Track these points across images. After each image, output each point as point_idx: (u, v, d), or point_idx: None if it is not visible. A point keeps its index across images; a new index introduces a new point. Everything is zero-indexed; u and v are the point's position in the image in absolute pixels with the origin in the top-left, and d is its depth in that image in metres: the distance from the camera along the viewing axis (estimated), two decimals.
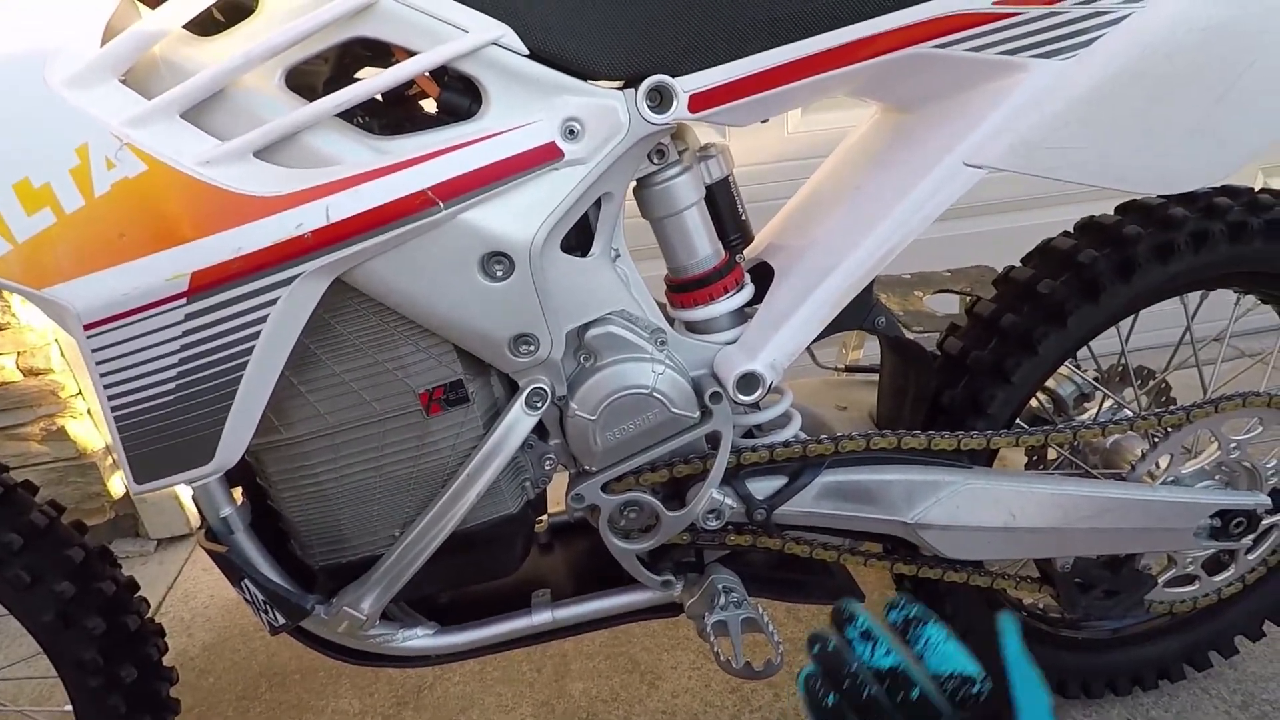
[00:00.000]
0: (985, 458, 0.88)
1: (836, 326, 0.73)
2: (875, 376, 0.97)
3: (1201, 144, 0.67)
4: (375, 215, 0.54)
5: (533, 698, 1.20)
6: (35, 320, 1.52)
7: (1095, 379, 1.00)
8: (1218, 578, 0.99)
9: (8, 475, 0.81)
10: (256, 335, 0.55)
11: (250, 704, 1.25)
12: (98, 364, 0.53)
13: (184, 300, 0.52)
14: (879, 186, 0.71)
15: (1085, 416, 1.01)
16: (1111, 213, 0.90)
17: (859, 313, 0.74)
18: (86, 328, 0.51)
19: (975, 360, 0.86)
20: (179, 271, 0.51)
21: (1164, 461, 0.90)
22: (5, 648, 1.26)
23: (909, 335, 0.86)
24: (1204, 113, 0.65)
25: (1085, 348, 0.90)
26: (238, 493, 0.73)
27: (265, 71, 0.54)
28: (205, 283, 0.52)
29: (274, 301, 0.54)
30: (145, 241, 0.50)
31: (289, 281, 0.54)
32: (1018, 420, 0.91)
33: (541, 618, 0.81)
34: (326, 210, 0.53)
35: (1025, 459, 1.03)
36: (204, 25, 0.55)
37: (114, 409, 0.56)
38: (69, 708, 0.86)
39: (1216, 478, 0.92)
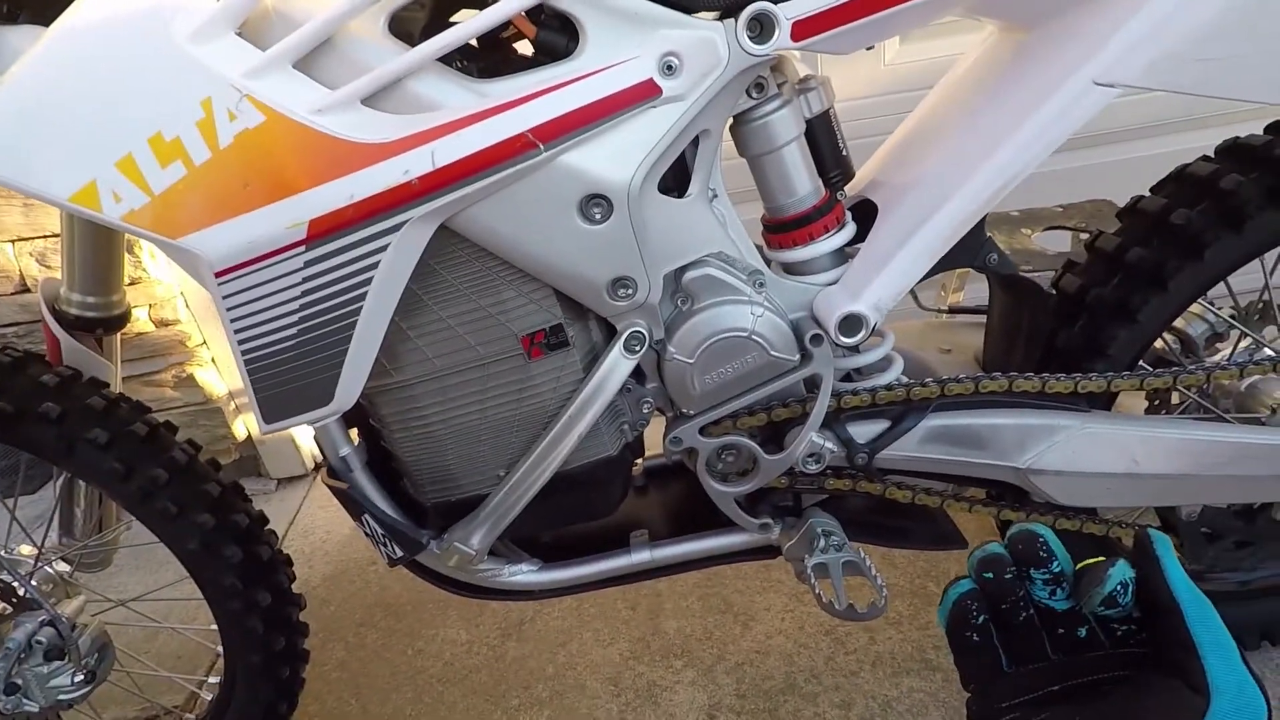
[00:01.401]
0: (1104, 401, 0.83)
1: (946, 264, 0.70)
2: (981, 318, 0.93)
3: None
4: (477, 159, 0.55)
5: (628, 634, 1.24)
6: (163, 274, 1.63)
7: (1232, 317, 0.92)
8: None
9: (152, 415, 0.89)
10: (369, 281, 0.57)
11: (367, 631, 1.35)
12: (228, 310, 0.57)
13: (303, 247, 0.54)
14: (995, 113, 0.66)
15: (1218, 357, 0.93)
16: (1260, 133, 0.81)
17: (971, 249, 0.71)
18: (217, 275, 0.55)
19: (1096, 298, 0.80)
20: (298, 220, 0.53)
21: None
22: (154, 571, 1.40)
23: (1025, 273, 0.81)
24: None
25: (1222, 283, 0.82)
26: (354, 434, 0.77)
27: (369, 19, 0.55)
28: (322, 230, 0.54)
29: (385, 248, 0.56)
30: (267, 190, 0.53)
31: (398, 228, 0.55)
32: (1141, 362, 0.85)
33: (640, 556, 0.83)
34: (432, 155, 0.54)
35: (1145, 404, 0.97)
36: None
37: (244, 353, 0.60)
38: (214, 627, 0.95)
39: None
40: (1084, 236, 1.11)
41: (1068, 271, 0.86)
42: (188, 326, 1.69)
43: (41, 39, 0.52)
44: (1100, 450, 0.75)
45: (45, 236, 1.59)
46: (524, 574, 0.84)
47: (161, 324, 1.67)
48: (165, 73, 0.50)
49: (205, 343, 1.74)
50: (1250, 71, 0.60)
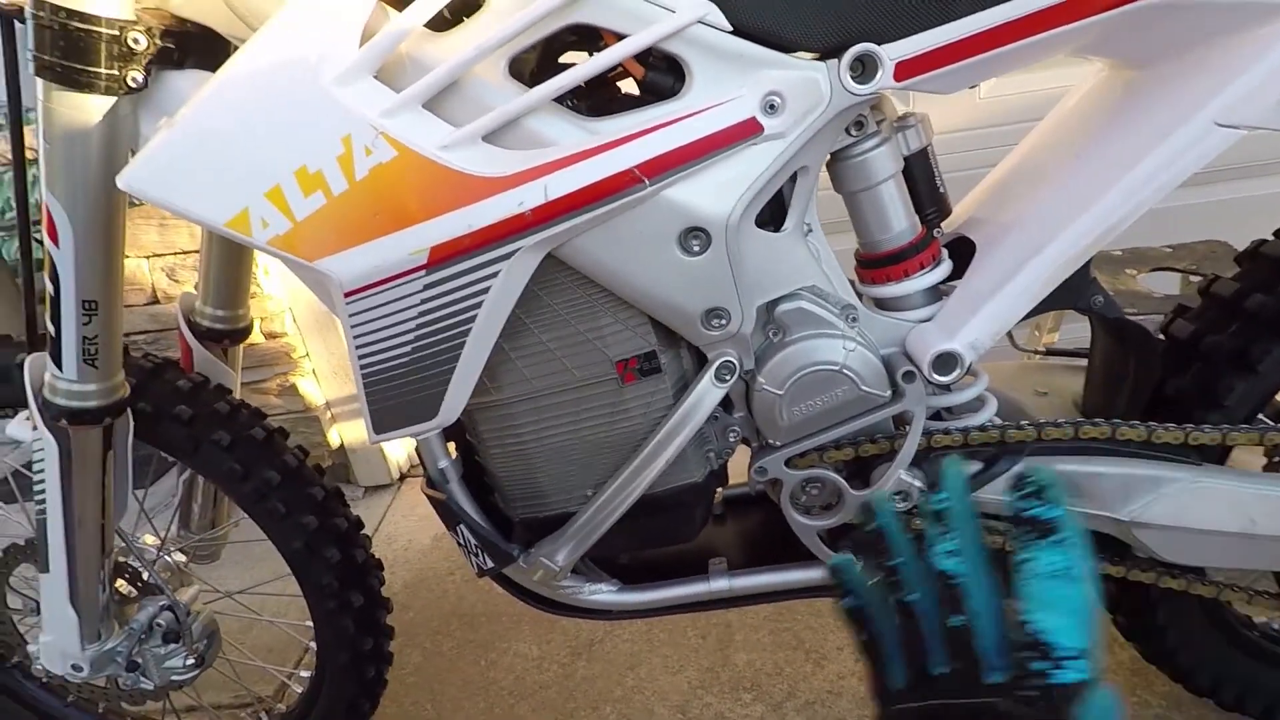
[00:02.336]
0: (1216, 455, 0.79)
1: (1048, 305, 0.68)
2: (1080, 361, 0.89)
3: None
4: (587, 193, 0.58)
5: (698, 663, 1.23)
6: (275, 290, 1.76)
7: None
8: None
9: (268, 421, 0.96)
10: (480, 305, 0.61)
11: (443, 639, 1.39)
12: (352, 327, 0.61)
13: (424, 272, 0.59)
14: (1106, 152, 0.65)
15: None
16: None
17: (1075, 290, 0.69)
18: (346, 295, 0.59)
19: (1211, 346, 0.77)
20: (421, 246, 0.57)
21: None
22: (251, 568, 1.49)
23: (1130, 316, 0.78)
24: None
25: None
26: (450, 448, 0.81)
27: (490, 63, 0.59)
28: (442, 256, 0.58)
29: (496, 274, 0.59)
30: (395, 219, 0.57)
31: (510, 255, 0.59)
32: (1260, 415, 0.80)
33: (719, 584, 0.83)
34: (545, 189, 0.57)
35: (1265, 460, 0.91)
36: (438, 22, 0.61)
37: (362, 367, 0.64)
38: (308, 623, 1.01)
39: None
40: (1195, 280, 1.06)
41: (1179, 316, 0.82)
42: (294, 339, 1.81)
43: (206, 85, 0.58)
44: (1212, 506, 0.71)
45: (176, 253, 1.73)
46: (604, 593, 0.86)
47: (271, 336, 1.79)
48: (311, 112, 0.56)
49: (308, 355, 1.85)
50: None
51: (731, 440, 0.76)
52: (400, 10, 0.61)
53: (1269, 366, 0.75)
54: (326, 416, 1.92)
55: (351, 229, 0.57)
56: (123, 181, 0.59)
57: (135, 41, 0.63)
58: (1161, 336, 0.83)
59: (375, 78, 0.58)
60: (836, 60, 0.61)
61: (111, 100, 0.65)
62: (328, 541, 0.94)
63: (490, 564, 0.78)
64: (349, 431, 1.94)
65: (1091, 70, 0.76)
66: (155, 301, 1.77)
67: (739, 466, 0.78)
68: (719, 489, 0.90)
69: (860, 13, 0.60)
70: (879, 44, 0.60)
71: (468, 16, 0.62)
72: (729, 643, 1.26)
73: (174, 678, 0.95)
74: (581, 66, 0.58)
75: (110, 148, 0.67)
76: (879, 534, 0.39)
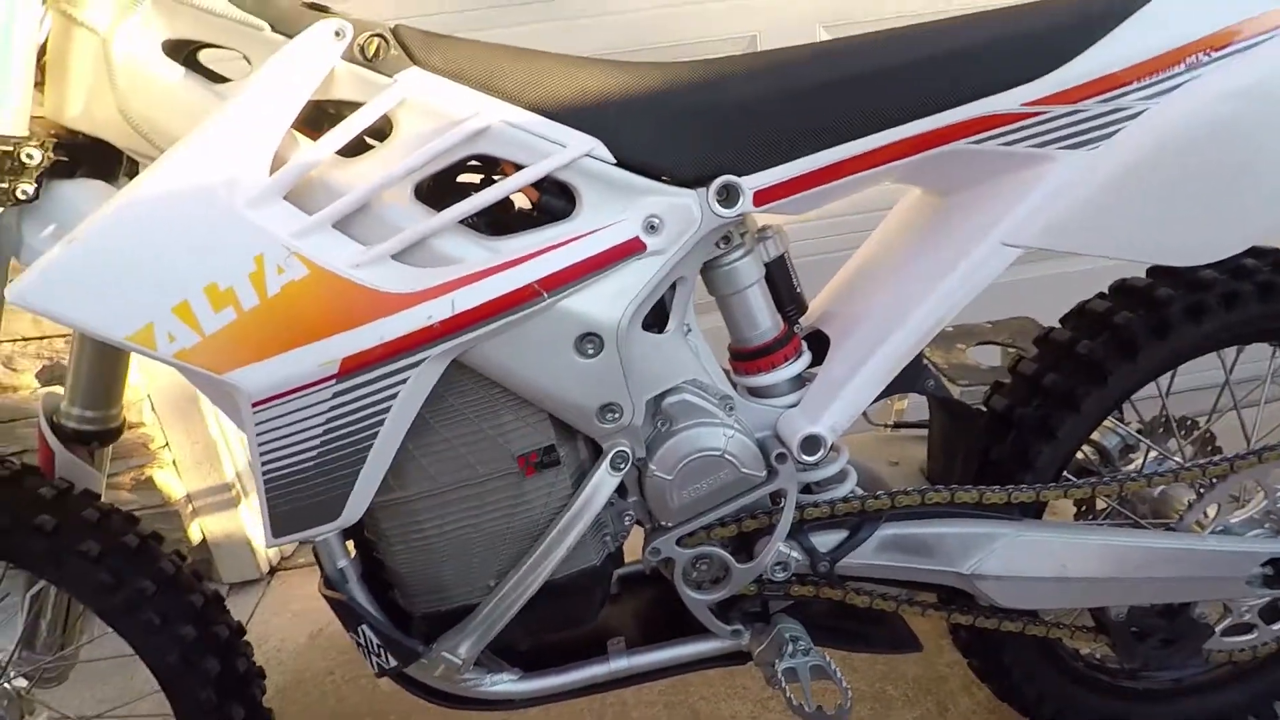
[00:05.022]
0: (1035, 510, 0.93)
1: (891, 389, 0.80)
2: (923, 432, 1.03)
3: (1217, 222, 0.73)
4: (491, 306, 0.63)
5: None
6: (133, 377, 1.65)
7: (1139, 430, 1.04)
8: (1276, 626, 1.00)
9: (141, 527, 0.91)
10: (388, 410, 0.64)
11: None
12: (258, 435, 0.63)
13: (334, 381, 0.61)
14: (923, 265, 0.79)
15: (1131, 467, 1.04)
16: (1143, 275, 0.95)
17: (911, 377, 0.81)
18: (254, 405, 0.61)
19: (1021, 417, 0.91)
20: (331, 358, 0.61)
21: (1212, 511, 0.93)
22: (95, 687, 1.35)
23: (956, 395, 0.92)
24: (1217, 195, 0.72)
25: (1128, 402, 0.95)
26: (349, 545, 0.81)
27: (398, 186, 0.64)
28: (352, 366, 0.61)
29: (404, 381, 0.63)
30: (306, 332, 0.60)
31: (418, 364, 0.63)
32: (1064, 473, 0.96)
33: (619, 664, 0.87)
34: (452, 303, 0.62)
35: (1075, 509, 1.07)
36: (347, 147, 0.66)
37: (265, 473, 0.65)
38: None
39: (1266, 526, 0.95)
40: (1010, 352, 1.25)
41: (996, 391, 0.98)
42: (152, 429, 1.70)
43: (111, 202, 0.59)
44: (1033, 556, 0.84)
45: (15, 340, 1.61)
46: (505, 683, 0.87)
47: (127, 426, 1.67)
48: (224, 232, 0.58)
49: (168, 445, 1.74)
50: (1118, 237, 0.73)
51: (626, 524, 0.82)
52: (310, 134, 0.65)
53: (1065, 433, 0.90)
54: (188, 510, 1.80)
55: (262, 342, 0.59)
56: (13, 295, 0.58)
57: (29, 157, 0.63)
58: (984, 409, 0.97)
59: (285, 198, 0.62)
60: (705, 188, 0.71)
61: None
62: (207, 652, 0.89)
63: (393, 663, 0.78)
64: (212, 525, 1.82)
65: (907, 194, 0.91)
66: None
67: (631, 546, 0.84)
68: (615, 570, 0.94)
69: (723, 151, 0.70)
70: (739, 176, 0.71)
71: (373, 139, 0.67)
72: (624, 718, 1.28)
73: None
74: (485, 193, 0.65)
75: None
76: None
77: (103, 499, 0.93)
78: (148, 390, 1.68)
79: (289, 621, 1.68)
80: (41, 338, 1.66)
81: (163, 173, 0.59)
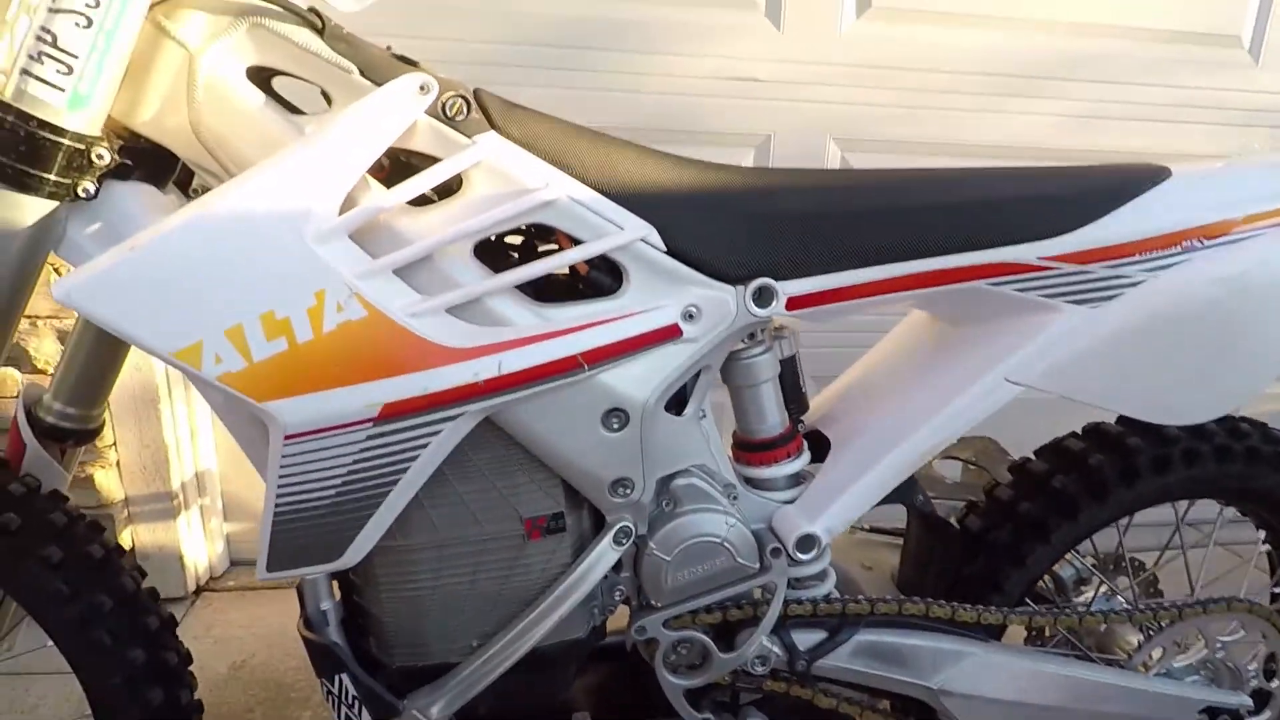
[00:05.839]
0: (997, 631, 0.96)
1: (885, 500, 0.83)
2: (896, 540, 1.07)
3: (1198, 389, 0.81)
4: (535, 371, 0.65)
5: None
6: None
7: (1093, 566, 1.09)
8: None
9: (106, 537, 0.87)
10: (414, 459, 0.64)
11: None
12: (281, 467, 0.62)
13: (370, 424, 0.61)
14: (929, 387, 0.84)
15: (1081, 599, 1.10)
16: (1112, 419, 1.03)
17: (904, 490, 0.85)
18: (286, 438, 0.60)
19: (993, 540, 0.96)
20: (374, 401, 0.61)
21: (1156, 653, 0.98)
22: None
23: (940, 514, 0.97)
24: (1199, 367, 0.79)
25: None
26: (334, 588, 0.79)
27: (461, 243, 0.66)
28: (391, 413, 0.62)
29: (438, 433, 0.64)
30: (354, 373, 0.60)
31: (455, 418, 0.64)
32: (1025, 599, 1.00)
33: None
34: (499, 364, 0.63)
35: (1025, 633, 1.11)
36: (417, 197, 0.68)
37: (278, 506, 0.64)
38: None
39: (1203, 673, 1.00)
40: (972, 468, 1.30)
41: (971, 511, 1.02)
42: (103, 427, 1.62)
43: (179, 214, 0.60)
44: (997, 678, 0.87)
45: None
46: None
47: None
48: (290, 263, 0.59)
49: (115, 444, 1.67)
50: (1111, 389, 0.80)
51: (616, 598, 0.82)
52: (377, 177, 0.67)
53: (1034, 560, 0.95)
54: (123, 515, 1.70)
55: (310, 377, 0.59)
56: (59, 293, 0.57)
57: (99, 157, 0.63)
58: (957, 525, 1.02)
59: (350, 237, 0.63)
60: (743, 287, 0.75)
61: (52, 205, 0.63)
62: (151, 680, 0.84)
63: (367, 719, 0.76)
64: (145, 534, 1.73)
65: (911, 314, 0.97)
66: None
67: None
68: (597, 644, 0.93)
69: (767, 255, 0.75)
70: (777, 280, 0.75)
71: (434, 192, 0.69)
72: None
73: None
74: (545, 260, 0.67)
75: (32, 248, 0.64)
76: None
77: (70, 502, 0.89)
78: None
79: (210, 648, 1.59)
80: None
81: (237, 195, 0.60)
